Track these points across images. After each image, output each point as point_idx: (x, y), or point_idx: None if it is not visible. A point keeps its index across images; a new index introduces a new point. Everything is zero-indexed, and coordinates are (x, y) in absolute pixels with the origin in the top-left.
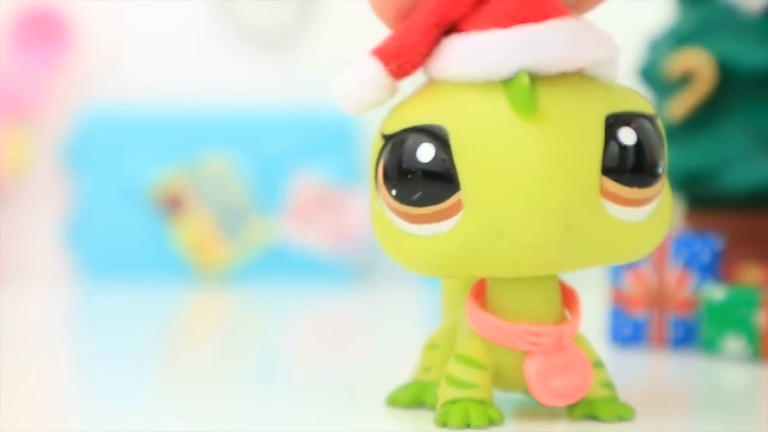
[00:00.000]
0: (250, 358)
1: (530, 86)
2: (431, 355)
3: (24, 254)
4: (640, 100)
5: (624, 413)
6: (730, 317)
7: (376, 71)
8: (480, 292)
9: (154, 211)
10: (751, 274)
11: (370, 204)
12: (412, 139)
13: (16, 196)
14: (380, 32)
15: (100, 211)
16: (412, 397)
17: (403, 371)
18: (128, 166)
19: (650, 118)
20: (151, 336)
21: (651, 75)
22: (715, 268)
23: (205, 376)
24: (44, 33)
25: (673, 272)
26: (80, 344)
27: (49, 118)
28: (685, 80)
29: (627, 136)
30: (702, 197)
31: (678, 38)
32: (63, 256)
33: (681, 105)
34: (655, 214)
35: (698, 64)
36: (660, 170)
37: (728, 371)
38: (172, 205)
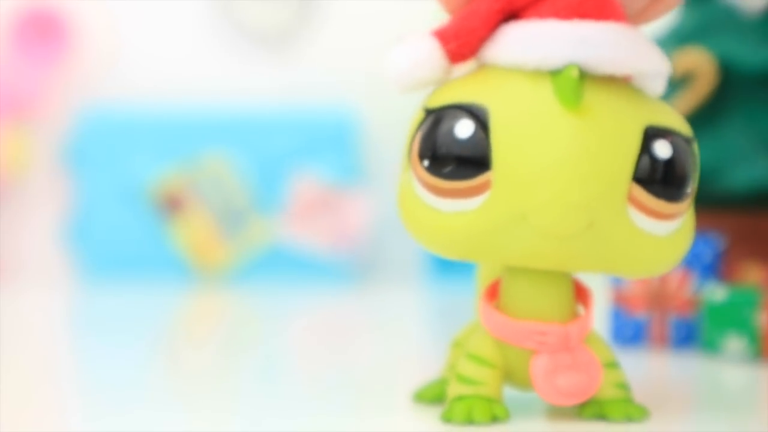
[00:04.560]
0: (251, 358)
1: (578, 79)
2: (455, 352)
3: (24, 254)
4: (681, 121)
5: (634, 414)
6: (731, 317)
7: (432, 50)
8: (493, 292)
9: (154, 211)
10: (752, 274)
11: (399, 178)
12: (452, 114)
13: (16, 196)
14: (380, 32)
15: (100, 211)
16: (437, 394)
17: (403, 371)
18: (128, 166)
19: (688, 140)
20: (151, 336)
21: None
22: (716, 269)
23: (205, 376)
24: (44, 33)
25: (675, 272)
26: (80, 344)
27: (49, 118)
28: (686, 80)
29: (663, 149)
30: (703, 197)
31: (679, 38)
32: (63, 256)
33: (682, 105)
34: (676, 233)
35: (699, 64)
36: (689, 189)
37: (729, 371)
38: (172, 205)
